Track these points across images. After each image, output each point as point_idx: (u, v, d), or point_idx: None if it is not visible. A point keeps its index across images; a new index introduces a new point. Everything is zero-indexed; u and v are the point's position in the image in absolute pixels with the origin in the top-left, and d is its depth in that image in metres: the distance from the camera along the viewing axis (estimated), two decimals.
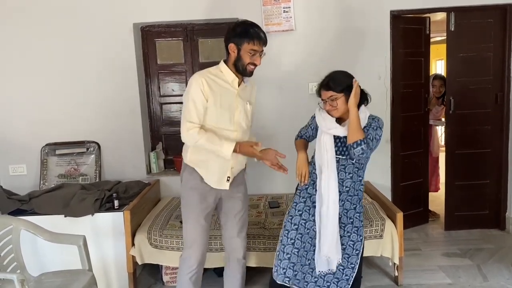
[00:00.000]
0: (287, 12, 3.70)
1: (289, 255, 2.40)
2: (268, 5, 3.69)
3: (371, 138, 2.23)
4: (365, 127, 2.27)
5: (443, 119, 4.40)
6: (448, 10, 3.83)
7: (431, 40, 4.27)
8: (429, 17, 4.10)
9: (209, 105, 2.33)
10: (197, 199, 2.46)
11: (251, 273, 3.34)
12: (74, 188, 3.34)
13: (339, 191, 2.32)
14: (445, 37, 3.95)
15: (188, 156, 2.47)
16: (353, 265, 2.34)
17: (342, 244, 2.34)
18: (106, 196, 3.24)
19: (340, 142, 2.32)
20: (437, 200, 4.56)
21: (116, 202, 3.20)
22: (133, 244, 3.10)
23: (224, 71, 2.38)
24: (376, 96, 3.75)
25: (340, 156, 2.32)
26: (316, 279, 2.38)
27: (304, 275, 2.41)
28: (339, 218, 2.34)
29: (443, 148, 4.23)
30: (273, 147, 2.43)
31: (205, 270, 2.72)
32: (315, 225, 2.37)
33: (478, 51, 3.89)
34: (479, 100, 3.96)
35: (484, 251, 3.65)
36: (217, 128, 2.37)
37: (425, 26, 4.07)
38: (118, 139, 3.86)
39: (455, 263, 3.47)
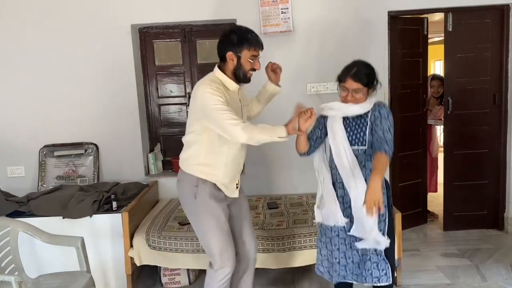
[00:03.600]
0: (285, 13, 3.70)
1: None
2: (266, 6, 3.69)
3: (388, 139, 2.32)
4: (368, 115, 2.30)
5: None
6: (445, 10, 3.83)
7: (429, 40, 4.28)
8: (427, 18, 4.11)
9: None
10: (217, 207, 2.33)
11: None
12: (72, 189, 3.33)
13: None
14: (443, 38, 3.97)
15: (198, 168, 2.31)
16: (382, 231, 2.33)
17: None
18: (104, 197, 3.24)
19: (349, 133, 2.29)
20: (435, 200, 4.56)
21: (114, 204, 3.20)
22: (131, 246, 3.09)
23: (226, 82, 2.28)
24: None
25: (352, 147, 2.29)
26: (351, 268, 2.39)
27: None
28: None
29: (442, 149, 4.24)
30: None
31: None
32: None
33: (476, 52, 3.90)
34: (477, 101, 3.97)
35: (483, 251, 3.65)
36: None
37: (423, 27, 4.08)
38: (116, 141, 3.86)
39: (453, 264, 3.47)
